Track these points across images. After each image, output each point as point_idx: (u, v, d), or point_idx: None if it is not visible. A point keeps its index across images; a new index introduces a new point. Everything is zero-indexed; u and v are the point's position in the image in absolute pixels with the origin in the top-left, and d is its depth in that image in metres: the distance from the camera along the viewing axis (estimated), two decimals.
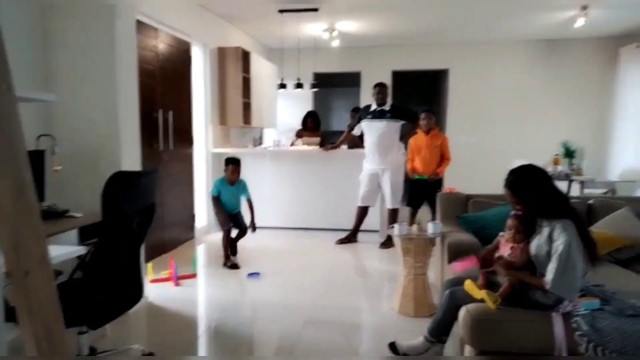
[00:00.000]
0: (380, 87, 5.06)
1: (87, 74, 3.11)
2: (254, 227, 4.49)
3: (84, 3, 3.12)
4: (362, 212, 5.26)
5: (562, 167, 6.09)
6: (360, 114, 5.30)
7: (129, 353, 2.62)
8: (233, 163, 4.41)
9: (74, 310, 2.05)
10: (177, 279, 3.84)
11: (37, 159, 2.76)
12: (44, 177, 2.83)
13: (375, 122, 5.03)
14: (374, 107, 5.08)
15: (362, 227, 5.32)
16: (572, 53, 7.36)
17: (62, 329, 1.03)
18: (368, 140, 5.14)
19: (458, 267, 2.68)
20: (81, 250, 2.10)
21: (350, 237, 5.27)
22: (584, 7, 5.45)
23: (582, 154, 6.31)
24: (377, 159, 5.07)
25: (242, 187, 4.52)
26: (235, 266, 4.31)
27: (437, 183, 5.03)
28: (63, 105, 3.12)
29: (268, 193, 5.95)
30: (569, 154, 6.17)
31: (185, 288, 3.79)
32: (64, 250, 1.77)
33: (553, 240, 2.07)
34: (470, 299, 2.19)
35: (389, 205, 5.14)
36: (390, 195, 5.09)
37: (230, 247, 4.44)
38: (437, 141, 4.99)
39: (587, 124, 7.32)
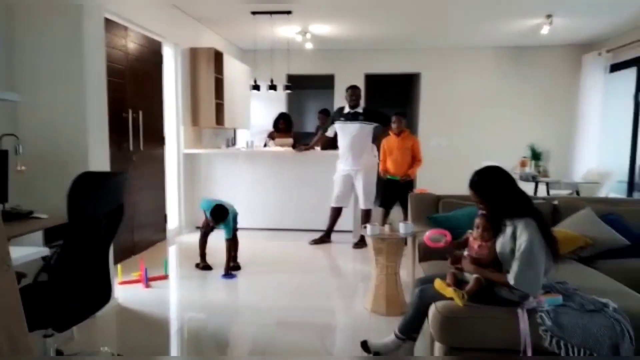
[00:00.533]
0: (352, 90, 5.10)
1: (54, 73, 3.02)
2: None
3: (49, 2, 3.04)
4: (336, 212, 5.29)
5: (529, 169, 6.27)
6: (333, 115, 5.33)
7: (97, 356, 2.56)
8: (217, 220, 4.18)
9: (39, 313, 1.99)
10: (148, 281, 3.78)
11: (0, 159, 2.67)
12: (7, 178, 2.74)
13: (348, 124, 5.07)
14: (347, 109, 5.12)
15: (336, 227, 5.35)
16: (539, 59, 7.60)
17: (24, 332, 1.00)
18: (341, 142, 5.18)
19: (428, 239, 2.64)
20: (45, 251, 2.04)
21: (324, 238, 5.29)
22: (549, 16, 5.64)
23: (548, 156, 6.51)
24: (351, 160, 5.11)
25: (231, 220, 4.24)
26: (207, 267, 4.26)
27: (409, 184, 5.10)
28: (28, 104, 3.03)
29: (241, 194, 5.90)
30: (536, 156, 6.35)
31: (156, 290, 3.73)
32: (28, 251, 1.72)
33: (516, 238, 2.14)
34: (439, 296, 2.23)
35: (362, 206, 5.18)
36: (363, 196, 5.13)
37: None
38: (408, 143, 5.06)
39: (552, 128, 7.57)
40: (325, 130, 5.43)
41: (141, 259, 4.26)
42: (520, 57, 7.63)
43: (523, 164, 6.43)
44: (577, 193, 5.86)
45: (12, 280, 0.93)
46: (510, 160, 6.75)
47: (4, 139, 2.77)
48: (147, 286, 3.75)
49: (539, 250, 2.08)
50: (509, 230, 2.19)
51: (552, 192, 5.92)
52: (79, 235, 2.03)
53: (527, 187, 4.76)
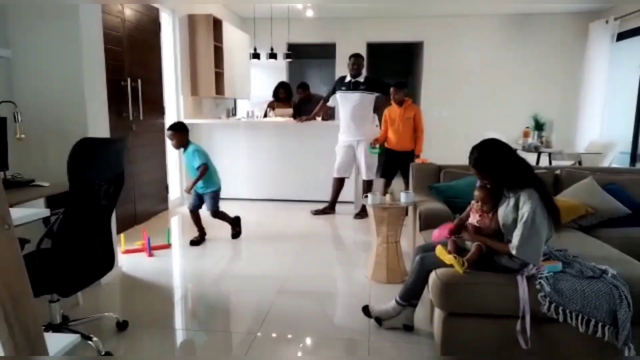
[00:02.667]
0: (355, 58, 5.01)
1: (49, 39, 2.96)
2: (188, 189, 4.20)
3: None
4: (338, 183, 5.28)
5: (531, 140, 6.23)
6: (335, 85, 5.26)
7: (102, 321, 2.60)
8: (170, 129, 4.04)
9: (43, 279, 2.02)
10: (151, 250, 3.81)
11: None
12: (6, 146, 2.73)
13: (349, 93, 5.01)
14: (348, 78, 5.05)
15: (338, 198, 5.35)
16: (544, 28, 7.44)
17: (28, 292, 1.01)
18: (342, 112, 5.12)
19: (436, 235, 2.70)
20: (46, 212, 2.04)
21: (327, 209, 5.30)
22: None
23: (551, 126, 6.44)
24: (352, 130, 5.07)
25: (190, 153, 4.05)
26: (195, 243, 4.16)
27: (410, 155, 5.06)
28: (24, 71, 2.99)
29: (242, 165, 5.90)
30: (539, 126, 6.29)
31: (159, 258, 3.77)
32: (28, 212, 1.71)
33: (519, 209, 2.13)
34: (440, 264, 2.25)
35: (363, 176, 5.18)
36: (365, 166, 5.12)
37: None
38: (410, 113, 4.97)
39: (556, 98, 7.49)
40: (327, 99, 5.37)
41: (143, 228, 4.29)
42: (525, 25, 7.47)
43: (526, 135, 6.38)
44: (580, 164, 5.84)
45: (12, 238, 0.92)
46: (513, 131, 6.71)
47: (2, 106, 2.75)
48: (150, 255, 3.79)
49: (541, 221, 2.08)
50: (511, 200, 2.19)
51: (554, 162, 5.90)
52: (80, 201, 2.03)
53: (530, 158, 4.73)
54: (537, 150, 6.00)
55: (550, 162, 5.97)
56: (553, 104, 7.39)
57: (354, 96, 4.98)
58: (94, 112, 3.08)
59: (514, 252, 2.10)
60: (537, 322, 2.06)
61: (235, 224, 4.40)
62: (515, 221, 2.15)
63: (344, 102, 5.06)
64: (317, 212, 5.26)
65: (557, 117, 7.03)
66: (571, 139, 7.23)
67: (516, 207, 2.16)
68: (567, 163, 5.88)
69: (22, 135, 2.79)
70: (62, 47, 2.97)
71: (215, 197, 4.18)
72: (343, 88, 5.06)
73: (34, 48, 2.98)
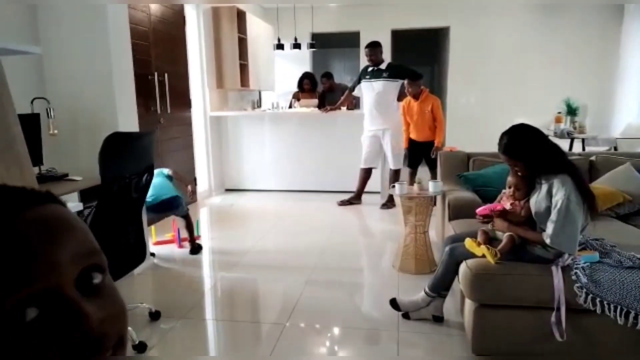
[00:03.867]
0: (370, 49, 4.93)
1: (78, 35, 3.02)
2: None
3: None
4: (366, 174, 5.24)
5: (564, 125, 6.04)
6: (359, 74, 5.20)
7: (135, 311, 2.66)
8: None
9: None
10: (181, 241, 3.88)
11: (32, 122, 2.72)
12: (40, 141, 2.81)
13: (372, 82, 4.95)
14: (371, 67, 4.99)
15: (369, 188, 5.31)
16: (576, 9, 7.15)
17: None
18: (366, 101, 5.07)
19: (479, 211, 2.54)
20: (79, 206, 2.09)
21: (353, 199, 5.27)
22: None
23: (585, 111, 6.23)
24: (377, 119, 5.01)
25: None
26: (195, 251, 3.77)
27: (432, 143, 4.93)
28: (55, 68, 3.06)
29: (268, 156, 5.93)
30: (571, 111, 6.09)
31: (189, 249, 3.83)
32: None
33: (552, 196, 2.06)
34: (470, 255, 2.21)
35: (391, 165, 5.12)
36: (392, 156, 5.06)
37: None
38: (427, 105, 4.79)
39: (590, 81, 7.19)
40: (352, 89, 5.32)
41: (173, 220, 4.36)
42: (555, 7, 7.19)
43: (558, 120, 6.19)
44: (615, 149, 5.63)
45: None
46: (544, 116, 6.52)
47: (35, 103, 2.82)
48: (181, 246, 3.85)
49: (575, 208, 2.01)
50: (544, 187, 2.11)
51: (588, 148, 5.71)
52: (112, 194, 2.07)
53: (562, 144, 4.56)
54: (569, 136, 5.82)
55: (583, 148, 5.79)
56: (586, 88, 7.11)
57: (377, 84, 4.91)
58: (123, 107, 3.14)
59: (548, 241, 2.04)
60: (573, 313, 2.00)
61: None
62: (548, 209, 2.08)
63: (367, 91, 5.01)
64: (343, 203, 5.24)
65: (590, 101, 6.79)
66: (606, 124, 6.96)
67: (549, 194, 2.08)
68: (602, 149, 5.68)
69: (55, 131, 2.86)
70: (90, 43, 3.02)
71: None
72: (367, 77, 5.00)
73: (63, 45, 3.04)
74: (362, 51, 7.65)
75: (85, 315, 0.40)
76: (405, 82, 4.77)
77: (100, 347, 0.42)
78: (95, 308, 0.42)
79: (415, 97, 4.79)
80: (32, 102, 2.82)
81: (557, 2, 7.12)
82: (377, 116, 4.99)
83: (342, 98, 5.49)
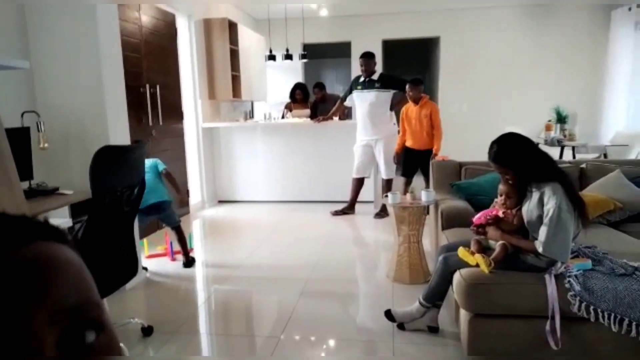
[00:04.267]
0: (364, 59, 4.97)
1: (68, 47, 3.01)
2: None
3: None
4: (358, 183, 5.25)
5: (554, 133, 6.10)
6: (351, 85, 5.23)
7: (127, 327, 2.63)
8: None
9: None
10: (174, 254, 3.85)
11: (22, 136, 2.70)
12: (30, 155, 2.78)
13: (365, 92, 4.97)
14: (362, 77, 5.02)
15: (358, 198, 5.32)
16: (564, 17, 7.26)
17: None
18: (359, 111, 5.09)
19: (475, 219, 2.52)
20: (69, 222, 2.06)
21: (346, 210, 5.27)
22: None
23: (575, 119, 6.30)
24: (370, 129, 5.03)
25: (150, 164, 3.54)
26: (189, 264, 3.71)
27: (429, 153, 4.97)
28: (45, 81, 3.04)
29: (261, 167, 5.92)
30: (561, 119, 6.16)
31: (182, 262, 3.80)
32: (52, 221, 1.74)
33: (544, 204, 2.08)
34: (464, 264, 2.21)
35: (383, 175, 5.13)
36: (384, 165, 5.07)
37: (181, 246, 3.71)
38: (426, 111, 4.79)
39: (579, 89, 7.29)
40: (344, 99, 5.34)
41: (166, 233, 4.33)
42: (544, 16, 7.29)
43: (548, 128, 6.26)
44: (605, 156, 5.69)
45: None
46: (534, 124, 6.59)
47: (25, 117, 2.80)
48: (173, 259, 3.82)
49: (567, 216, 2.02)
50: (535, 196, 2.13)
51: (578, 156, 5.77)
52: (103, 208, 2.05)
53: (552, 152, 4.61)
54: (560, 143, 5.88)
55: (573, 156, 5.84)
56: (575, 96, 7.20)
57: (370, 95, 4.94)
58: (114, 119, 3.12)
59: (540, 249, 2.04)
60: (568, 322, 2.00)
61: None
62: (540, 218, 2.09)
63: (360, 102, 5.03)
64: (336, 213, 5.23)
65: (580, 109, 6.87)
66: (595, 132, 7.05)
67: (541, 203, 2.10)
68: (592, 156, 5.74)
69: (46, 145, 2.83)
70: (81, 55, 3.01)
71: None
72: (359, 87, 5.03)
73: (53, 57, 3.03)
74: (354, 61, 7.74)
75: None
76: (407, 85, 4.75)
77: None
78: None
79: (416, 101, 4.76)
80: (22, 115, 2.79)
81: (542, 1, 7.22)
82: (370, 126, 5.01)
83: (334, 108, 5.51)
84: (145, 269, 3.57)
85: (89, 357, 0.36)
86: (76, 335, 0.35)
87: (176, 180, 3.71)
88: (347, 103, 5.35)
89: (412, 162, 4.97)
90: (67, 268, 0.37)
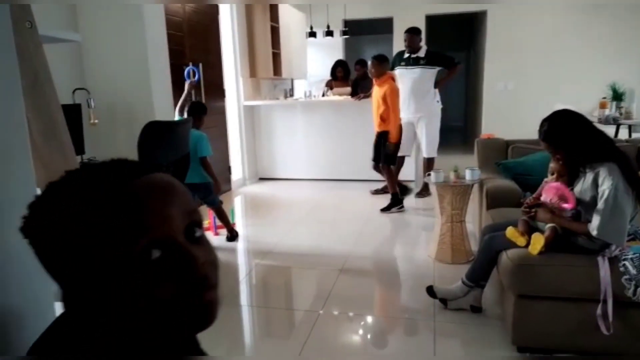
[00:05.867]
0: (409, 34, 4.81)
1: (115, 26, 3.08)
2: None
3: None
4: (398, 162, 5.17)
5: (609, 111, 5.76)
6: (393, 61, 5.10)
7: None
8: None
9: None
10: (217, 229, 3.94)
11: (74, 112, 2.80)
12: (82, 131, 2.89)
13: (409, 69, 4.84)
14: (407, 54, 4.88)
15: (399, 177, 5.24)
16: None
17: None
18: (402, 88, 4.97)
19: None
20: None
21: (387, 188, 5.20)
22: None
23: (632, 96, 5.92)
24: (412, 107, 4.92)
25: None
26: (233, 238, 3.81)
27: (381, 134, 4.53)
28: (93, 58, 3.14)
29: (301, 145, 5.93)
30: (617, 96, 5.80)
31: (224, 237, 3.89)
32: None
33: (598, 185, 1.97)
34: (509, 244, 2.14)
35: (425, 154, 5.03)
36: (426, 143, 4.97)
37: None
38: (382, 90, 4.42)
39: (636, 65, 6.81)
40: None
41: (209, 209, 4.44)
42: None
43: (603, 106, 5.91)
44: None
45: None
46: (588, 102, 6.24)
47: (76, 93, 2.90)
48: (216, 234, 3.91)
49: (624, 197, 1.91)
50: (589, 176, 2.01)
51: (635, 135, 5.44)
52: None
53: (608, 131, 4.36)
54: (615, 122, 5.55)
55: (630, 135, 5.51)
56: (633, 72, 6.73)
57: (414, 72, 4.81)
58: (159, 96, 3.19)
59: (594, 233, 1.94)
60: (620, 307, 1.92)
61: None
62: (594, 199, 1.98)
63: (403, 78, 4.91)
64: (377, 192, 5.19)
65: (638, 85, 6.44)
66: None
67: (595, 183, 1.99)
68: None
69: (96, 121, 2.94)
70: (127, 34, 3.08)
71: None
72: (402, 64, 4.90)
73: (101, 36, 3.11)
74: (396, 38, 7.55)
75: (194, 257, 0.52)
76: (369, 61, 4.44)
77: (205, 284, 0.54)
78: (199, 253, 0.53)
79: (377, 79, 4.44)
80: (73, 92, 2.90)
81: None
82: (413, 103, 4.89)
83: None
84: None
85: (200, 243, 0.56)
86: (191, 230, 0.55)
87: (213, 171, 3.57)
88: None
89: (377, 145, 4.64)
90: (181, 187, 0.57)
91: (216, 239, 3.85)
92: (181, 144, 2.30)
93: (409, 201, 4.92)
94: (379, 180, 5.36)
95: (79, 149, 2.88)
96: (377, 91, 4.52)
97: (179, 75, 4.40)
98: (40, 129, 0.82)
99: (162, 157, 2.13)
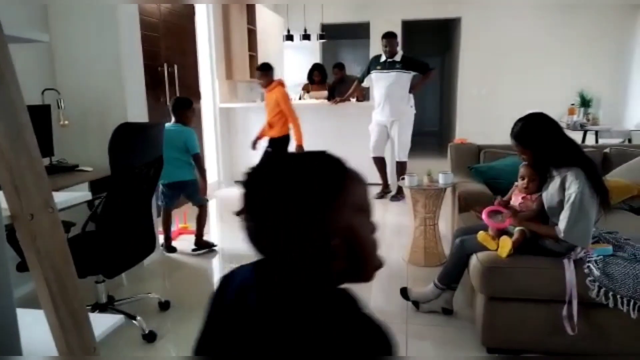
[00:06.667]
0: (387, 39, 4.87)
1: (87, 25, 3.02)
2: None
3: None
4: (380, 162, 5.20)
5: (577, 117, 5.94)
6: (369, 64, 5.16)
7: (144, 301, 2.68)
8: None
9: (89, 260, 2.09)
10: (171, 236, 3.71)
11: (43, 113, 2.73)
12: (51, 132, 2.82)
13: (385, 73, 4.90)
14: (383, 58, 4.94)
15: (371, 180, 5.28)
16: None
17: (72, 273, 1.02)
18: (377, 92, 5.03)
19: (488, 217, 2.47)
20: (88, 195, 2.09)
21: (385, 190, 5.24)
22: None
23: (599, 103, 6.12)
24: (387, 110, 4.97)
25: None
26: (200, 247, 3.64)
27: (271, 141, 4.65)
28: (65, 58, 3.07)
29: None
30: (585, 103, 5.99)
31: (190, 243, 3.83)
32: (72, 195, 1.76)
33: (565, 189, 2.03)
34: (480, 247, 2.18)
35: (397, 157, 5.09)
36: (398, 147, 5.03)
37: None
38: (272, 96, 4.50)
39: (604, 73, 7.05)
40: (362, 80, 5.28)
41: (185, 211, 4.38)
42: None
43: (571, 112, 6.10)
44: (629, 141, 5.54)
45: (57, 221, 0.94)
46: (557, 108, 6.40)
47: (46, 94, 2.83)
48: (173, 239, 3.78)
49: (589, 202, 1.97)
50: (557, 180, 2.08)
51: (601, 141, 5.63)
52: (121, 185, 2.07)
53: (575, 136, 4.51)
54: (582, 128, 5.74)
55: (596, 141, 5.70)
56: (601, 80, 6.97)
57: (390, 75, 4.87)
58: (132, 98, 3.14)
59: (561, 235, 2.00)
60: (585, 307, 1.98)
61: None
62: (561, 203, 2.05)
63: (379, 82, 4.96)
64: (379, 197, 5.18)
65: (604, 93, 6.67)
66: (620, 116, 6.84)
67: (562, 187, 2.05)
68: (616, 141, 5.59)
69: (66, 122, 2.88)
70: (100, 34, 3.02)
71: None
72: (378, 67, 4.95)
73: (73, 36, 3.04)
74: (373, 42, 7.63)
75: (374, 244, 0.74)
76: (257, 72, 4.54)
77: (377, 266, 0.78)
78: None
79: (266, 87, 4.54)
80: (42, 93, 2.83)
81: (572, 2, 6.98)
82: (388, 107, 4.95)
83: (351, 89, 5.45)
84: (173, 249, 3.60)
85: None
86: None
87: (204, 169, 3.60)
88: (364, 84, 5.28)
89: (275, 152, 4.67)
90: None
91: (190, 242, 3.80)
92: (154, 146, 2.27)
93: (384, 204, 4.97)
94: None
95: (48, 150, 2.81)
96: (269, 98, 4.56)
97: (154, 77, 4.35)
98: (4, 131, 0.81)
99: (134, 159, 2.10)
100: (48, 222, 0.90)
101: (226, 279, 0.81)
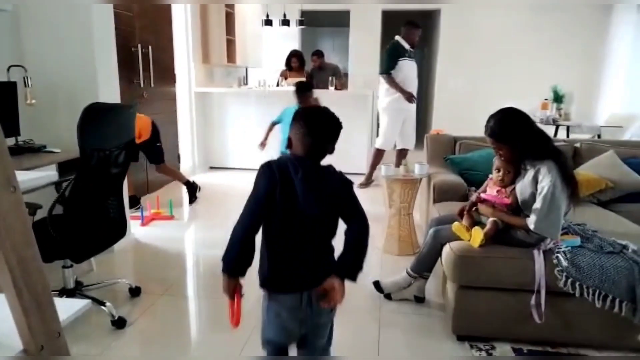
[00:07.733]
0: (419, 30, 4.98)
1: (57, 1, 2.90)
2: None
3: None
4: (382, 155, 5.16)
5: (549, 112, 6.07)
6: (397, 52, 4.90)
7: (115, 287, 2.62)
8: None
9: (55, 244, 2.02)
10: (144, 220, 3.78)
11: (8, 91, 2.62)
12: (17, 111, 2.71)
13: (412, 61, 4.95)
14: (407, 46, 4.91)
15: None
16: None
17: (35, 255, 0.98)
18: (407, 79, 4.92)
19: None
20: (54, 175, 2.01)
21: (369, 180, 5.24)
22: None
23: (571, 99, 6.26)
24: (414, 100, 5.02)
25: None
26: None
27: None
28: (33, 35, 2.94)
29: (254, 134, 5.84)
30: (558, 98, 6.12)
31: (171, 227, 3.78)
32: (38, 175, 1.69)
33: (538, 182, 2.06)
34: (454, 237, 2.21)
35: (408, 145, 5.16)
36: (412, 134, 5.17)
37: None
38: None
39: (577, 70, 7.22)
40: (393, 67, 4.89)
41: (157, 196, 4.30)
42: None
43: (544, 107, 6.22)
44: (599, 137, 5.69)
45: (19, 201, 0.89)
46: (530, 103, 6.51)
47: (11, 71, 2.71)
48: (144, 224, 3.77)
49: (560, 195, 2.01)
50: (530, 173, 2.11)
51: (572, 136, 5.77)
52: (90, 167, 2.01)
53: (548, 131, 4.58)
54: (555, 122, 5.86)
55: (568, 135, 5.84)
56: (573, 76, 7.13)
57: (415, 64, 4.96)
58: (104, 78, 3.04)
59: (532, 227, 2.04)
60: (553, 296, 2.03)
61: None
62: (533, 195, 2.08)
63: (410, 70, 4.94)
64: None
65: (577, 89, 6.82)
66: (591, 112, 7.03)
67: (535, 180, 2.08)
68: (586, 136, 5.73)
69: (33, 101, 2.76)
70: (71, 10, 2.90)
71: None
72: (406, 55, 4.91)
73: (42, 12, 2.91)
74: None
75: None
76: None
77: None
78: None
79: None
80: (8, 69, 2.71)
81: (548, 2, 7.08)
82: (415, 94, 5.00)
83: (388, 84, 4.95)
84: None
85: None
86: None
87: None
88: (393, 71, 4.91)
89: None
90: None
91: (163, 228, 3.74)
92: (125, 129, 2.20)
93: (358, 193, 4.97)
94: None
95: (14, 129, 2.70)
96: None
97: (127, 57, 4.22)
98: None
99: (104, 141, 2.03)
100: (9, 202, 0.85)
101: (269, 163, 1.52)
